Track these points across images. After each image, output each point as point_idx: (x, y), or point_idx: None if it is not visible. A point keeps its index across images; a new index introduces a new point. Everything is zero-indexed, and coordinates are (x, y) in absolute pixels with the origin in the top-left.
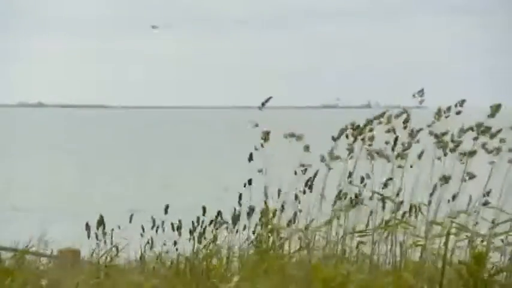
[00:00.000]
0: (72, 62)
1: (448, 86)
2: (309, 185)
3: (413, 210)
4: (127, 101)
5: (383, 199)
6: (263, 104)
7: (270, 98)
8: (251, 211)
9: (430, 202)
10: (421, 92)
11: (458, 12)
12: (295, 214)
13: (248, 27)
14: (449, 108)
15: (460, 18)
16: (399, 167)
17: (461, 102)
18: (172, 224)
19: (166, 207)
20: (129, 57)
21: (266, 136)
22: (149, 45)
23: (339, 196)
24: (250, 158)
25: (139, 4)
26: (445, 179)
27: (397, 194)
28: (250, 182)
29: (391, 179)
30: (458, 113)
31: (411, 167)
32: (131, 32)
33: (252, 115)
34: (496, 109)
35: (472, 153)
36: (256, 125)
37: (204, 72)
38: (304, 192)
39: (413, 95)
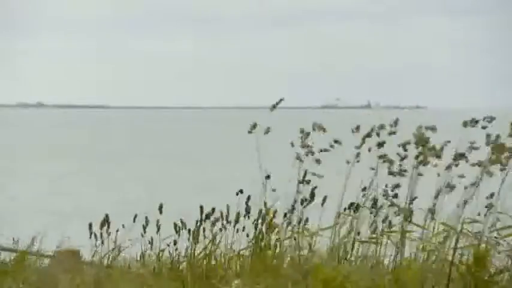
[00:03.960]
0: (72, 62)
1: (448, 86)
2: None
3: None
4: (127, 101)
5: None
6: (274, 106)
7: (282, 100)
8: (249, 211)
9: (434, 205)
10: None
11: (458, 12)
12: (291, 214)
13: (248, 28)
14: (477, 121)
15: (460, 18)
16: (419, 174)
17: (491, 119)
18: (158, 222)
19: (161, 206)
20: (129, 57)
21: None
22: (149, 45)
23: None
24: (268, 177)
25: (139, 4)
26: (451, 187)
27: (411, 201)
28: (241, 191)
29: (398, 185)
30: (483, 127)
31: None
32: (131, 32)
33: (252, 116)
34: None
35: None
36: (268, 131)
37: (205, 72)
38: (305, 200)
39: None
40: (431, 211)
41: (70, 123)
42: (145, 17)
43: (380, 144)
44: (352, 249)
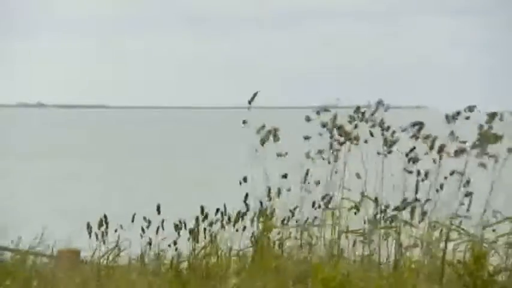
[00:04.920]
0: (72, 62)
1: (448, 86)
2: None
3: (411, 210)
4: (127, 101)
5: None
6: (249, 102)
7: (257, 93)
8: (248, 211)
9: (427, 201)
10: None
11: (458, 12)
12: (292, 213)
13: (248, 28)
14: (458, 113)
15: (460, 18)
16: (407, 170)
17: (471, 108)
18: (159, 222)
19: (158, 206)
20: (129, 57)
21: (268, 136)
22: (149, 45)
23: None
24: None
25: (139, 4)
26: (423, 176)
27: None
28: (245, 179)
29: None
30: (467, 118)
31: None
32: (131, 31)
33: (251, 115)
34: (492, 118)
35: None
36: (244, 122)
37: (205, 72)
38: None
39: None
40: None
41: (70, 123)
42: (144, 17)
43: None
44: (339, 243)
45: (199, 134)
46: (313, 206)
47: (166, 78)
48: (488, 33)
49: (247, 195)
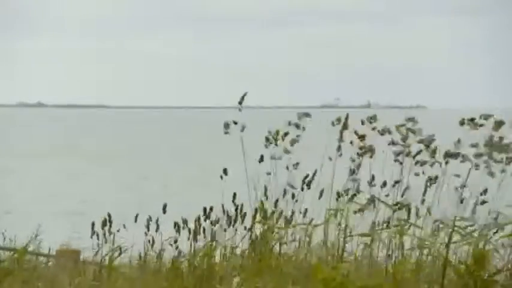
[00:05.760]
0: (72, 62)
1: (448, 86)
2: (307, 183)
3: (412, 211)
4: (127, 101)
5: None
6: (240, 103)
7: (246, 94)
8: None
9: (423, 201)
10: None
11: (458, 12)
12: (293, 213)
13: (247, 27)
14: (473, 120)
15: (460, 18)
16: (416, 174)
17: (487, 116)
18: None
19: (164, 206)
20: (129, 57)
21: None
22: (149, 45)
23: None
24: (261, 160)
25: (139, 4)
26: (432, 180)
27: (402, 196)
28: (266, 191)
29: (398, 181)
30: (480, 125)
31: (417, 174)
32: (131, 32)
33: (250, 115)
34: (499, 125)
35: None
36: (235, 123)
37: (204, 72)
38: (302, 189)
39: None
40: (428, 209)
41: (70, 123)
42: (144, 17)
43: (362, 137)
44: (344, 245)
45: (199, 134)
46: (302, 189)
47: (166, 78)
48: (488, 33)
49: (235, 194)
